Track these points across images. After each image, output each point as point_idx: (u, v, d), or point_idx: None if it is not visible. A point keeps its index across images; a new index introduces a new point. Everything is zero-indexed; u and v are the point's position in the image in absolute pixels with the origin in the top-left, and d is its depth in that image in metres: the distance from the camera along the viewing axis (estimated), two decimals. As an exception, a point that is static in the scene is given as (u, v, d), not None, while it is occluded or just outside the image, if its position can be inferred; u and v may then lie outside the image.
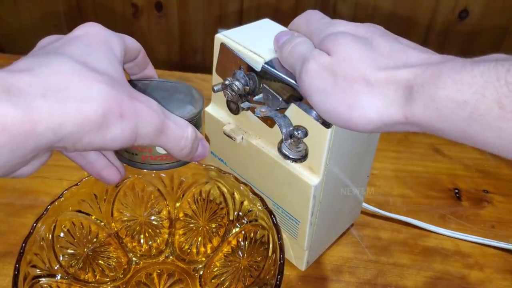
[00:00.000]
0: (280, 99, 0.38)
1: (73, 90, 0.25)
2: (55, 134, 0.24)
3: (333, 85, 0.31)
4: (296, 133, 0.38)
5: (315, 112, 0.37)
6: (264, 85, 0.38)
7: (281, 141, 0.40)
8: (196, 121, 0.35)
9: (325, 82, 0.32)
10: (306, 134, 0.38)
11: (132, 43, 0.34)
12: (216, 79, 0.45)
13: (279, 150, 0.40)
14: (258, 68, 0.39)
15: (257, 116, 0.41)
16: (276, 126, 0.41)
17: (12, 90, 0.23)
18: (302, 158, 0.39)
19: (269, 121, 0.42)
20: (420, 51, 0.31)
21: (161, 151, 0.34)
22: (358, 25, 0.34)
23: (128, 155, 0.35)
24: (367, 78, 0.30)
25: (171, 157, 0.35)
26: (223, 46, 0.41)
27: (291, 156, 0.39)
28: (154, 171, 0.47)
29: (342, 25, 0.34)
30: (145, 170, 0.38)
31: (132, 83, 0.36)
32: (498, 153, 0.27)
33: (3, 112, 0.22)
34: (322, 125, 0.37)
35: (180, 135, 0.31)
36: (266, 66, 0.38)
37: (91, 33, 0.30)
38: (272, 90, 0.38)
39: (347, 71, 0.31)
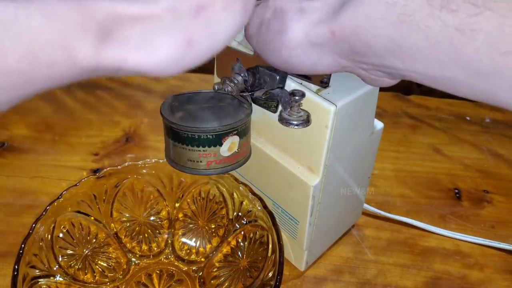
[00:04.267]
0: (277, 76, 0.38)
1: None
2: None
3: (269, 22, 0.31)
4: (293, 96, 0.37)
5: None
6: (260, 67, 0.38)
7: (281, 111, 0.39)
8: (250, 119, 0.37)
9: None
10: (303, 95, 0.37)
11: None
12: (217, 80, 0.45)
13: (281, 119, 0.39)
14: (251, 52, 0.39)
15: (256, 100, 0.40)
16: (280, 126, 0.40)
17: None
18: (305, 122, 0.38)
19: (271, 106, 0.41)
20: None
21: (224, 154, 0.36)
22: None
23: (192, 164, 0.37)
24: (301, 6, 0.30)
25: (233, 159, 0.37)
26: None
27: (293, 122, 0.38)
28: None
29: None
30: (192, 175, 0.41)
31: (177, 97, 0.38)
32: (427, 67, 0.26)
33: None
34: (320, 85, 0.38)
35: None
36: None
37: None
38: (268, 70, 0.38)
39: (284, 3, 0.31)
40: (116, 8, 0.23)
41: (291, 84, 0.39)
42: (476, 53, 0.23)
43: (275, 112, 0.41)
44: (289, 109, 0.38)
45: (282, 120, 0.38)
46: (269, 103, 0.41)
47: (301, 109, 0.38)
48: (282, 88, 0.39)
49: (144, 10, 0.24)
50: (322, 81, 0.38)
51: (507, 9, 0.22)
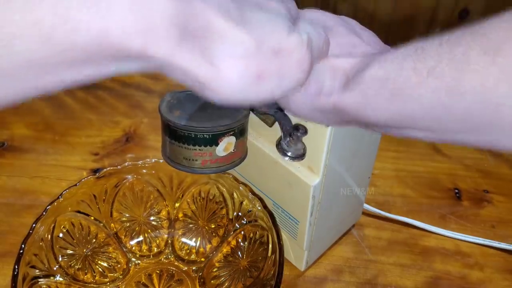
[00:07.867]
0: None
1: None
2: None
3: None
4: (296, 131, 0.38)
5: None
6: None
7: (280, 138, 0.40)
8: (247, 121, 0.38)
9: None
10: (306, 132, 0.38)
11: None
12: None
13: (278, 146, 0.39)
14: None
15: (257, 115, 0.41)
16: (275, 126, 0.41)
17: None
18: (300, 156, 0.39)
19: (268, 120, 0.42)
20: (374, 47, 0.31)
21: (220, 154, 0.36)
22: (328, 14, 0.33)
23: (187, 162, 0.37)
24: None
25: (228, 159, 0.37)
26: None
27: (289, 154, 0.39)
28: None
29: (313, 12, 0.33)
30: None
31: (176, 94, 0.38)
32: (428, 128, 0.27)
33: None
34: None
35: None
36: None
37: None
38: None
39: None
40: (213, 18, 0.23)
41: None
42: (469, 110, 0.24)
43: (270, 126, 0.41)
44: (289, 139, 0.38)
45: (279, 149, 0.39)
46: (265, 121, 0.41)
47: (300, 141, 0.39)
48: (283, 110, 0.39)
49: (237, 29, 0.23)
50: None
51: (486, 67, 0.23)
